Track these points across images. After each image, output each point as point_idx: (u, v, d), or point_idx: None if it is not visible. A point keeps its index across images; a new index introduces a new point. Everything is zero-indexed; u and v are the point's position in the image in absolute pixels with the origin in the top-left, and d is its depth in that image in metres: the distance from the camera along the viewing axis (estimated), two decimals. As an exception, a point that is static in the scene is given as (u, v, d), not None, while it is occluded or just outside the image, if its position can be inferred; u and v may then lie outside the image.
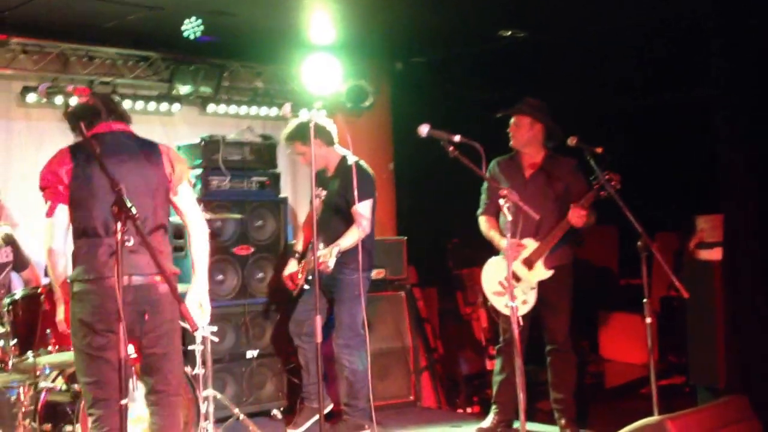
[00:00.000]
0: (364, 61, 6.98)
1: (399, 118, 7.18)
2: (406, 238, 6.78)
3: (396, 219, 7.26)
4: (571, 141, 5.06)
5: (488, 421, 5.61)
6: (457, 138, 4.22)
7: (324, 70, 6.55)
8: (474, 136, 4.26)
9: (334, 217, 5.45)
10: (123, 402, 3.20)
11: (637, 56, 6.63)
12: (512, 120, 5.47)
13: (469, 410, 7.18)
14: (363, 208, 5.28)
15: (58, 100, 5.77)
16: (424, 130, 4.30)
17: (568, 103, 6.11)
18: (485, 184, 5.55)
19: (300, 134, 5.28)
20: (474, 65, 7.00)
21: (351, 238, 5.27)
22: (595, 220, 5.29)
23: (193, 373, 5.11)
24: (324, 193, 5.53)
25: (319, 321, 4.19)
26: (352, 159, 5.37)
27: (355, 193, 4.97)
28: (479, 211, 5.59)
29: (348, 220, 5.37)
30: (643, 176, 7.18)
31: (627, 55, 6.59)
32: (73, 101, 3.63)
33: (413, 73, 7.26)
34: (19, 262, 5.46)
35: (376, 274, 6.52)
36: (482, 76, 7.07)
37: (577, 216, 5.15)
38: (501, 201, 4.19)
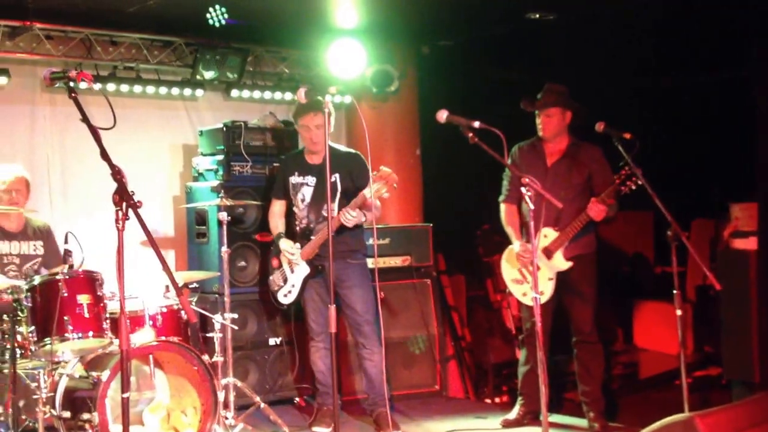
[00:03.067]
0: (389, 45, 6.87)
1: (425, 103, 7.08)
2: (432, 224, 6.70)
3: (422, 205, 7.16)
4: (599, 127, 4.92)
5: (514, 413, 5.55)
6: (476, 124, 4.15)
7: (349, 55, 6.46)
8: (502, 120, 4.18)
9: (340, 203, 5.33)
10: (125, 395, 3.15)
11: (671, 36, 6.44)
12: (540, 110, 5.33)
13: (497, 400, 7.09)
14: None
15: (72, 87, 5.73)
16: (442, 115, 4.25)
17: (597, 86, 5.96)
18: (507, 171, 5.47)
19: (319, 105, 5.15)
20: (501, 48, 6.85)
21: (373, 216, 5.21)
22: (615, 213, 5.17)
23: (212, 360, 5.08)
24: (314, 180, 5.45)
25: (333, 311, 4.12)
26: (342, 147, 5.33)
27: (371, 176, 4.88)
28: (501, 197, 5.51)
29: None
30: (680, 161, 7.02)
31: (660, 35, 6.41)
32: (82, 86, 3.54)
33: (440, 57, 7.14)
34: (50, 259, 5.42)
35: (402, 261, 6.49)
36: (510, 58, 6.94)
37: (596, 211, 5.04)
38: (523, 189, 4.13)
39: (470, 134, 4.20)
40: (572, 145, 5.35)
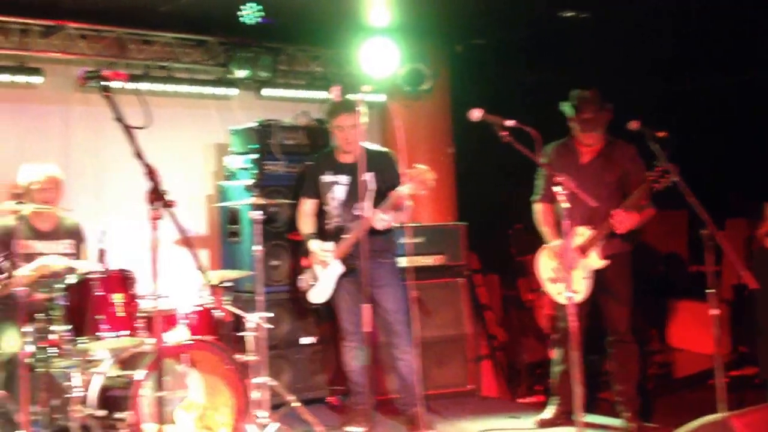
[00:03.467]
0: (422, 44, 6.84)
1: (458, 102, 7.03)
2: (465, 223, 6.66)
3: (456, 204, 7.12)
4: (633, 125, 4.85)
5: (549, 413, 5.50)
6: (510, 122, 4.12)
7: (382, 53, 6.43)
8: (536, 120, 4.14)
9: (373, 202, 5.30)
10: (159, 394, 3.15)
11: (706, 35, 6.34)
12: (575, 114, 5.25)
13: (530, 400, 7.03)
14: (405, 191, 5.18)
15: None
16: (475, 114, 4.23)
17: (631, 85, 5.89)
18: (541, 170, 5.40)
19: (352, 105, 5.13)
20: (535, 47, 6.79)
21: (404, 216, 5.20)
22: (649, 215, 5.10)
23: (246, 359, 5.07)
24: (347, 178, 5.43)
25: (367, 310, 4.09)
26: (374, 145, 5.30)
27: (403, 174, 4.86)
28: (534, 197, 5.46)
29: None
30: (715, 159, 6.92)
31: (695, 34, 6.31)
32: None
33: (473, 56, 7.10)
34: (82, 255, 5.46)
35: (435, 260, 6.46)
36: (543, 58, 6.86)
37: (617, 221, 4.97)
38: (556, 188, 4.08)
39: (504, 133, 4.18)
40: (607, 144, 5.28)
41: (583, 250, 5.14)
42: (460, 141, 7.19)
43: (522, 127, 4.10)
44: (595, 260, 5.13)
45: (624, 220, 4.97)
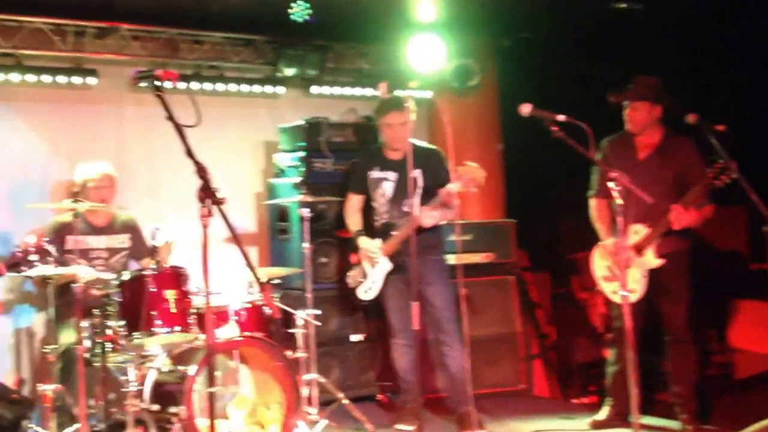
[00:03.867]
0: (470, 39, 6.79)
1: (507, 97, 6.98)
2: (515, 220, 6.61)
3: (505, 201, 7.06)
4: (690, 119, 4.75)
5: (603, 414, 5.44)
6: (561, 117, 4.08)
7: (429, 49, 6.40)
8: (586, 114, 4.10)
9: (421, 199, 5.30)
10: (211, 390, 3.18)
11: (764, 25, 6.18)
12: (626, 103, 5.19)
13: (584, 400, 6.94)
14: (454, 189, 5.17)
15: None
16: (525, 109, 4.19)
17: (686, 77, 5.77)
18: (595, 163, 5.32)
19: (401, 103, 5.13)
20: (585, 40, 6.69)
21: (453, 214, 5.19)
22: (708, 212, 5.00)
23: (295, 356, 5.10)
24: (395, 175, 5.42)
25: (416, 308, 4.08)
26: (421, 142, 5.29)
27: (452, 171, 4.85)
28: (590, 192, 5.38)
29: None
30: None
31: (752, 24, 6.16)
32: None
33: (521, 50, 7.02)
34: (138, 250, 5.57)
35: (485, 257, 6.42)
36: (593, 51, 6.76)
37: (675, 217, 4.88)
38: (611, 184, 4.03)
39: (554, 128, 4.13)
40: (665, 139, 5.17)
41: (639, 248, 5.04)
42: (508, 137, 7.13)
43: (573, 122, 4.05)
44: (651, 259, 5.03)
45: (682, 217, 4.88)
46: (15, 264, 3.46)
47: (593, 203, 5.37)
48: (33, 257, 3.50)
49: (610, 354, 5.44)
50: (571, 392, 7.00)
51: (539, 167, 6.97)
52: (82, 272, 4.86)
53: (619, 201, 4.04)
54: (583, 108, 4.99)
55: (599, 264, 5.29)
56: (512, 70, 7.01)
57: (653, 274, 5.07)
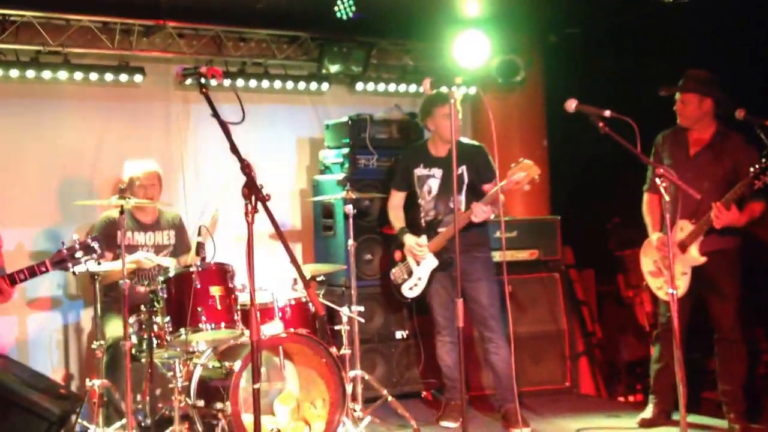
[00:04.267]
0: (515, 35, 6.73)
1: (552, 93, 6.90)
2: (560, 217, 6.54)
3: (550, 197, 6.99)
4: (739, 114, 4.66)
5: (648, 412, 5.37)
6: (607, 113, 4.05)
7: (474, 45, 6.37)
8: (633, 110, 4.04)
9: (467, 195, 5.36)
10: (256, 386, 3.19)
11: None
12: (678, 96, 5.12)
13: (629, 399, 6.86)
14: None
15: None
16: (571, 105, 4.17)
17: (734, 73, 5.65)
18: (650, 159, 5.24)
19: (447, 98, 5.10)
20: (632, 35, 6.60)
21: (498, 210, 5.16)
22: (755, 211, 4.90)
23: (340, 353, 5.10)
24: (440, 172, 5.39)
25: (460, 305, 4.06)
26: (466, 139, 5.29)
27: (497, 171, 4.83)
28: (645, 186, 5.34)
29: (477, 198, 5.27)
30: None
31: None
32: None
33: (567, 46, 6.94)
34: (179, 248, 5.62)
35: (530, 254, 6.37)
36: (641, 46, 6.66)
37: (715, 214, 4.77)
38: (657, 180, 4.00)
39: (601, 124, 4.11)
40: (717, 134, 5.08)
41: (683, 245, 4.98)
42: (554, 133, 7.06)
43: (620, 117, 4.00)
44: (695, 256, 4.96)
45: (722, 215, 4.77)
46: (61, 261, 3.49)
47: (646, 197, 5.33)
48: (78, 254, 3.53)
49: (654, 351, 5.37)
50: (617, 390, 6.93)
51: (584, 163, 6.89)
52: (143, 258, 4.92)
53: (666, 197, 3.99)
54: (629, 103, 4.91)
55: (647, 259, 5.24)
56: (558, 66, 6.93)
57: (699, 272, 4.99)
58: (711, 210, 4.82)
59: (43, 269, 3.42)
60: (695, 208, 4.87)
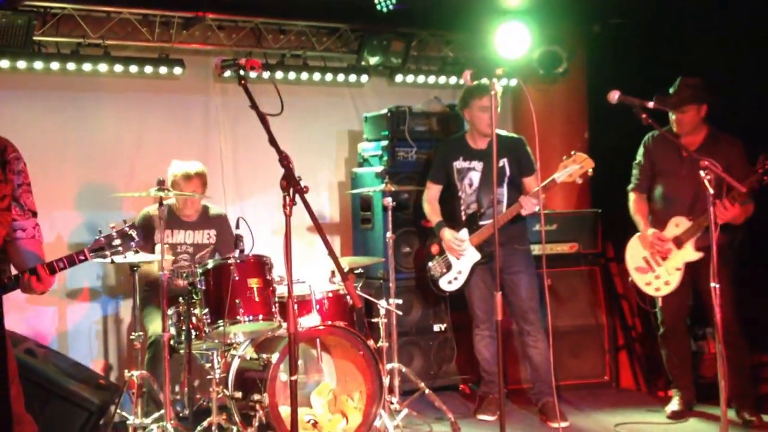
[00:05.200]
0: (557, 25, 6.64)
1: (595, 84, 6.80)
2: (600, 210, 6.47)
3: (590, 190, 6.90)
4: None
5: (675, 404, 5.46)
6: (650, 104, 4.01)
7: (515, 36, 6.29)
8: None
9: (508, 188, 5.36)
10: (293, 378, 3.19)
11: None
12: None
13: (670, 393, 6.76)
14: (537, 180, 5.11)
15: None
16: (614, 96, 4.18)
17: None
18: (638, 159, 5.47)
19: (488, 90, 5.06)
20: (676, 25, 6.47)
21: (539, 203, 5.13)
22: (749, 209, 5.02)
23: (377, 345, 5.09)
24: (480, 165, 5.34)
25: (499, 298, 4.03)
26: (505, 132, 5.34)
27: (537, 165, 4.80)
28: (630, 186, 5.51)
29: (518, 190, 5.28)
30: None
31: None
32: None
33: (611, 36, 6.83)
34: (222, 247, 5.61)
35: (569, 248, 6.31)
36: (686, 36, 6.53)
37: (721, 211, 4.80)
38: (702, 173, 3.99)
39: (644, 115, 4.10)
40: (710, 136, 5.20)
41: (679, 241, 5.11)
42: (595, 125, 6.96)
43: (663, 109, 3.96)
44: (690, 252, 5.10)
45: (728, 210, 4.85)
46: (99, 249, 3.53)
47: (633, 197, 5.48)
48: (116, 242, 3.56)
49: (662, 351, 5.54)
50: (657, 385, 6.84)
51: (627, 155, 6.78)
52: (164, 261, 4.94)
53: (711, 189, 3.99)
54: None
55: (634, 256, 5.36)
56: (602, 57, 6.82)
57: (695, 268, 5.14)
58: (709, 207, 4.80)
59: (82, 258, 3.45)
60: (690, 205, 5.06)
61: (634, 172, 5.48)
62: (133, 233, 3.55)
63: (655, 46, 6.43)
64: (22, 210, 3.46)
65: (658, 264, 5.25)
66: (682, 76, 5.26)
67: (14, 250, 3.46)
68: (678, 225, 5.13)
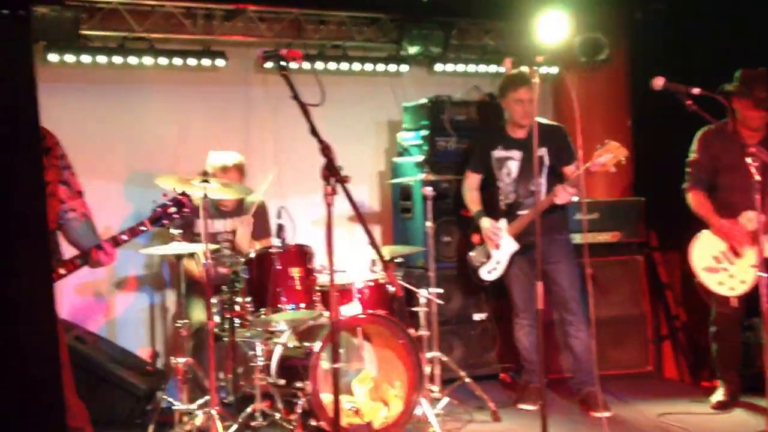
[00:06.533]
0: (599, 11, 6.56)
1: (638, 71, 6.72)
2: (644, 199, 6.41)
3: (634, 179, 6.84)
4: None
5: (720, 395, 5.38)
6: (696, 90, 3.93)
7: (556, 23, 6.23)
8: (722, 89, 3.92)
9: (547, 178, 5.32)
10: (335, 366, 3.22)
11: None
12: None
13: (715, 383, 6.68)
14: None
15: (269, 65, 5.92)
16: (659, 83, 4.10)
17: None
18: (693, 155, 5.22)
19: (529, 78, 5.05)
20: (721, 10, 6.37)
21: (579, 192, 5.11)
22: None
23: (418, 334, 5.11)
24: (519, 154, 5.32)
25: (540, 287, 4.02)
26: (545, 120, 5.25)
27: (579, 153, 4.77)
28: (685, 185, 5.24)
29: (557, 180, 5.23)
30: None
31: None
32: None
33: (654, 22, 6.74)
34: (258, 232, 5.66)
35: (612, 237, 6.26)
36: (730, 22, 6.43)
37: None
38: (748, 159, 3.89)
39: (688, 102, 4.02)
40: None
41: (754, 236, 4.86)
42: (638, 112, 6.89)
43: (709, 95, 3.90)
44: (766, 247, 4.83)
45: None
46: (157, 219, 3.66)
47: (692, 195, 5.23)
48: (172, 209, 3.68)
49: (712, 339, 5.39)
50: (701, 375, 6.77)
51: (670, 143, 6.70)
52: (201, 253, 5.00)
53: (757, 177, 3.93)
54: (718, 81, 4.77)
55: (704, 253, 5.11)
56: (645, 43, 6.73)
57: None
58: (753, 194, 4.69)
59: (143, 228, 3.61)
60: (761, 198, 4.75)
61: (690, 169, 5.23)
62: (184, 200, 3.68)
63: (699, 31, 6.33)
64: (71, 191, 3.59)
65: (731, 262, 5.05)
66: (742, 68, 5.08)
67: (69, 231, 3.62)
68: (750, 220, 4.89)
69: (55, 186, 3.55)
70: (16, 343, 1.96)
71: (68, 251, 3.67)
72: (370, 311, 4.87)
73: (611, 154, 4.86)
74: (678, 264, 7.16)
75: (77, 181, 3.65)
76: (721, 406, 5.30)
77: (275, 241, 4.83)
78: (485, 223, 5.39)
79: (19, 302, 1.96)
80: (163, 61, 5.90)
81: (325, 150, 3.29)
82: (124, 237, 3.52)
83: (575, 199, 5.17)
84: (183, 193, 3.74)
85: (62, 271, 3.49)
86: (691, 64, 5.76)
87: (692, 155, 5.25)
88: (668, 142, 6.64)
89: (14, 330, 1.95)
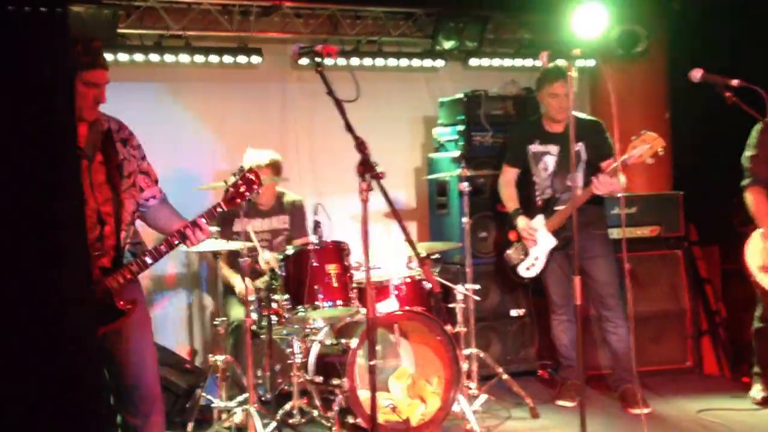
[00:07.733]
0: (636, 3, 6.49)
1: (676, 63, 6.63)
2: (683, 192, 6.33)
3: (672, 172, 6.75)
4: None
5: (757, 391, 5.30)
6: (735, 82, 3.87)
7: (592, 16, 6.16)
8: (763, 80, 3.85)
9: (584, 173, 5.25)
10: (372, 363, 3.22)
11: None
12: None
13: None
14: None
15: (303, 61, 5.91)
16: (697, 74, 4.03)
17: None
18: (752, 151, 4.97)
19: (565, 72, 5.00)
20: (762, 1, 6.26)
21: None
22: None
23: (455, 330, 5.10)
24: (556, 148, 5.27)
25: (578, 282, 3.98)
26: (582, 114, 5.19)
27: (616, 147, 4.71)
28: (744, 182, 5.02)
29: (594, 175, 5.13)
30: None
31: None
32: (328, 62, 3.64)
33: (693, 13, 6.64)
34: (295, 232, 5.66)
35: (651, 231, 6.20)
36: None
37: None
38: None
39: (728, 94, 3.95)
40: None
41: None
42: (677, 105, 6.80)
43: (749, 86, 3.83)
44: None
45: None
46: (231, 199, 3.73)
47: (751, 193, 5.01)
48: (242, 189, 3.74)
49: (755, 337, 5.30)
50: (742, 370, 6.68)
51: (709, 135, 6.61)
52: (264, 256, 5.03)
53: None
54: (758, 72, 4.68)
55: (755, 251, 4.99)
56: (683, 35, 6.64)
57: None
58: None
59: (219, 209, 3.70)
60: None
61: (748, 165, 5.02)
62: (252, 176, 3.74)
63: (738, 22, 6.23)
64: (149, 179, 3.73)
65: None
66: None
67: (153, 217, 3.76)
68: None
69: (136, 176, 3.66)
70: (60, 336, 2.00)
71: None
72: (407, 308, 4.86)
73: (648, 145, 4.77)
74: (717, 258, 7.08)
75: (153, 170, 3.78)
76: (763, 402, 5.23)
77: (312, 238, 4.84)
78: (520, 222, 5.36)
79: (62, 300, 2.00)
80: (199, 58, 5.93)
81: (361, 146, 3.29)
82: (204, 218, 3.63)
83: (619, 194, 5.10)
84: (251, 170, 3.77)
85: (163, 248, 3.60)
86: (730, 55, 5.67)
87: (749, 151, 5.02)
88: (707, 135, 6.55)
89: (58, 326, 1.99)
